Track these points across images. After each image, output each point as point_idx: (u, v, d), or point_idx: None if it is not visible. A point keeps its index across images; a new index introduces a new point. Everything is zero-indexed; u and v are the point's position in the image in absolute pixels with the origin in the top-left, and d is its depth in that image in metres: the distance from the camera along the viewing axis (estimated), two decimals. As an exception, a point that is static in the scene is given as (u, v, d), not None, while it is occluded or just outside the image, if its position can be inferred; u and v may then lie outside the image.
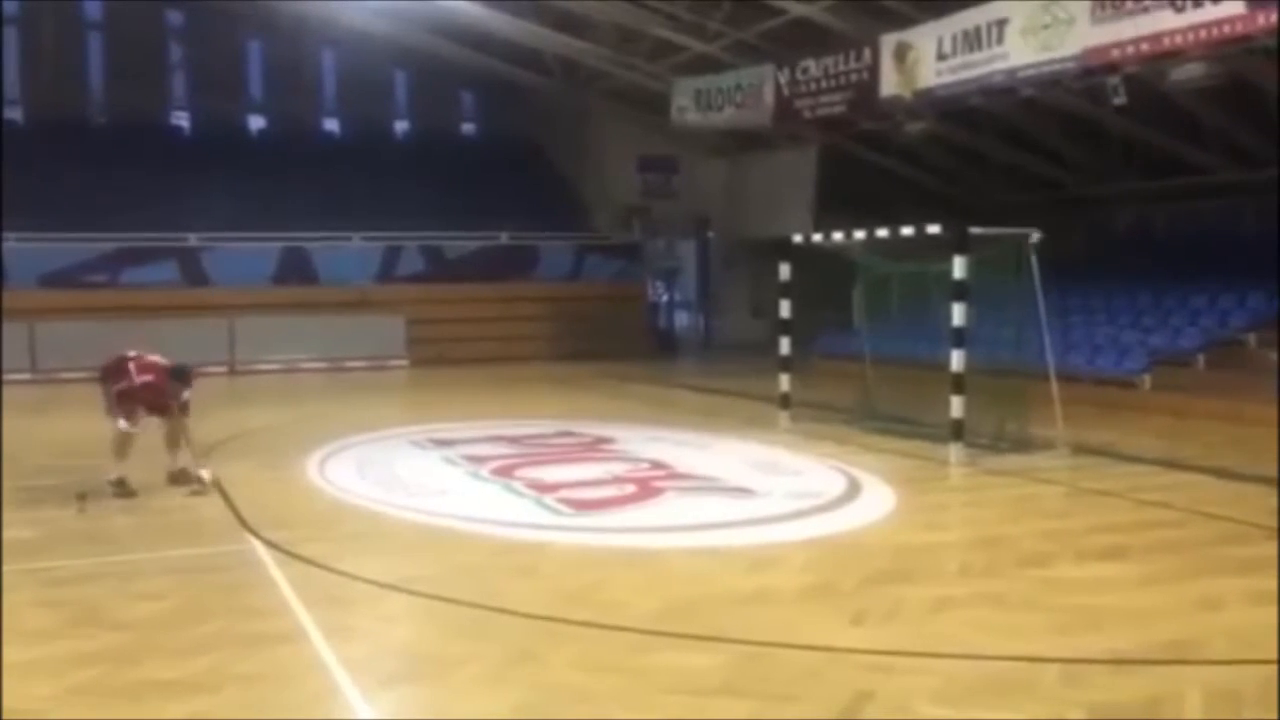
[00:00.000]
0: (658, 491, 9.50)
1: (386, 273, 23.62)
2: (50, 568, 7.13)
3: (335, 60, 28.41)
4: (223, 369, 20.67)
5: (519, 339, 23.43)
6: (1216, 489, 9.63)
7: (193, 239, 22.17)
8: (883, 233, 12.27)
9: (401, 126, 29.30)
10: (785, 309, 13.56)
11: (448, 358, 22.12)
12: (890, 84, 17.09)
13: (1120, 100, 14.76)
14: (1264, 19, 11.92)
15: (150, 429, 9.62)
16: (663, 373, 21.34)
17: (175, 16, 27.24)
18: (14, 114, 25.70)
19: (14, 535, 7.79)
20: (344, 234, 23.06)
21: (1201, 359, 15.74)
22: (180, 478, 9.57)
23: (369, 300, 22.88)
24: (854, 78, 17.83)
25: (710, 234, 27.28)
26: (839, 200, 21.64)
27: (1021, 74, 14.96)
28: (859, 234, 12.57)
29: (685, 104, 21.89)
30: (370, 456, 11.43)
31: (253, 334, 21.58)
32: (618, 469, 10.50)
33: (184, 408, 9.69)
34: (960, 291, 10.77)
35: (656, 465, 10.71)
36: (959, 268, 10.72)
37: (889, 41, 17.06)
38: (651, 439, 12.45)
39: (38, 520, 8.41)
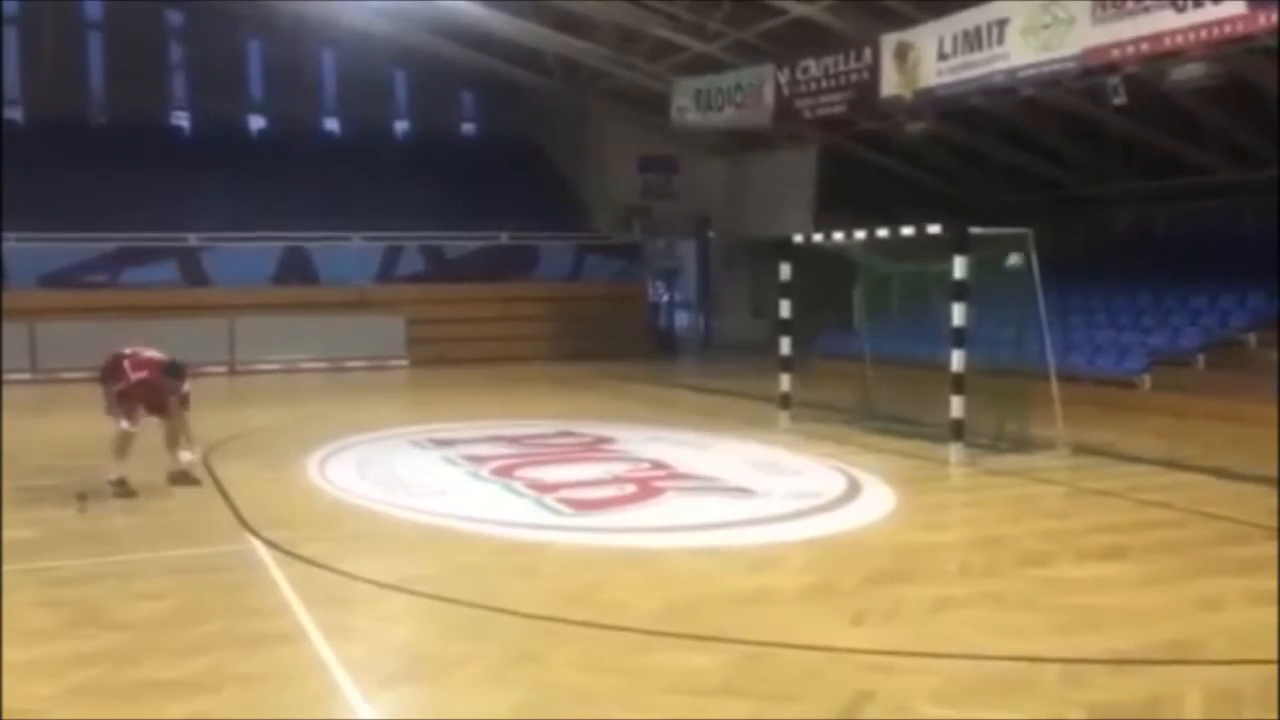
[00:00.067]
0: (658, 491, 9.50)
1: (386, 273, 23.60)
2: (50, 568, 7.13)
3: (335, 60, 28.39)
4: (223, 369, 20.69)
5: (519, 339, 23.41)
6: (1216, 489, 9.63)
7: (193, 239, 22.16)
8: (883, 233, 12.26)
9: (401, 126, 29.27)
10: (785, 309, 13.56)
11: (448, 358, 22.10)
12: (891, 84, 17.07)
13: (1120, 100, 14.76)
14: (1265, 19, 11.91)
15: (150, 429, 9.62)
16: (663, 373, 21.33)
17: (175, 16, 27.21)
18: (14, 114, 25.68)
19: (14, 535, 7.79)
20: (344, 234, 23.05)
21: (1201, 359, 15.73)
22: (181, 478, 9.58)
23: (369, 300, 22.86)
24: (854, 78, 17.81)
25: (710, 234, 27.25)
26: (839, 200, 21.62)
27: (1022, 74, 14.95)
28: (859, 234, 12.57)
29: (685, 104, 21.88)
30: (370, 456, 11.43)
31: (253, 334, 21.56)
32: (618, 469, 10.49)
33: (184, 401, 9.71)
34: (960, 291, 10.77)
35: (657, 465, 10.70)
36: (959, 268, 10.72)
37: (889, 41, 17.05)
38: (651, 439, 12.44)
39: (38, 520, 8.40)
